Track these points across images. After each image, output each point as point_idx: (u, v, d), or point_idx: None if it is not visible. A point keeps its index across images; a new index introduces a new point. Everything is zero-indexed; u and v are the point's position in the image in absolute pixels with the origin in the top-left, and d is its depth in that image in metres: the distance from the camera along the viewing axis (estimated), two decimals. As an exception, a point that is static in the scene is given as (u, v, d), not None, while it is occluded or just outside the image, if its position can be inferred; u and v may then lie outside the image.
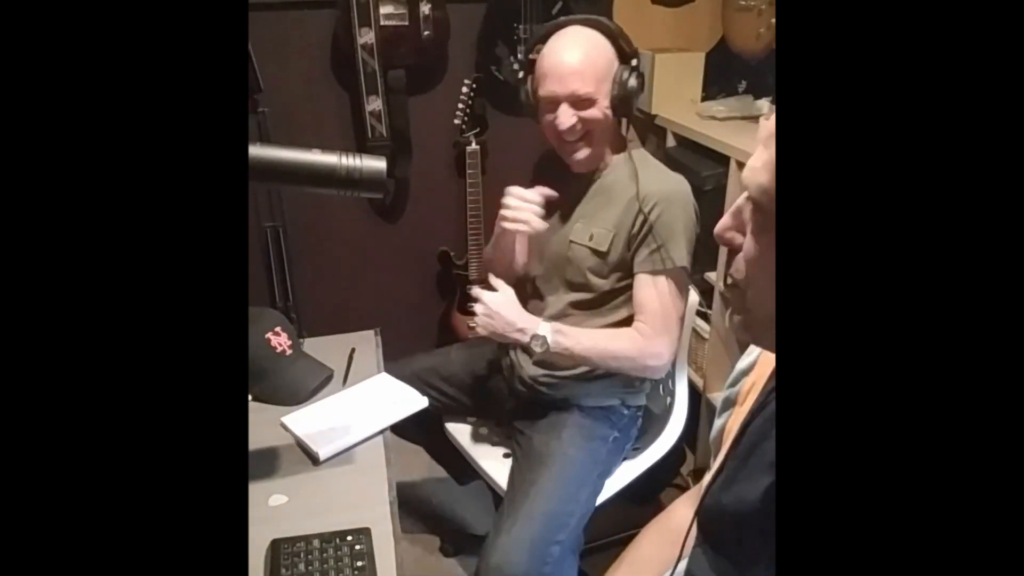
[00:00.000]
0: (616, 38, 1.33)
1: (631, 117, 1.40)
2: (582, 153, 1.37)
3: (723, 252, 1.73)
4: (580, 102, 1.31)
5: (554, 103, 1.32)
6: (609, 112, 1.33)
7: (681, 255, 1.34)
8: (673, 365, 1.57)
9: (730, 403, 0.81)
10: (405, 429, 1.35)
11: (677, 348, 1.42)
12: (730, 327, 0.62)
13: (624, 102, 1.33)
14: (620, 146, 1.42)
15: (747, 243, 0.57)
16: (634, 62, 1.33)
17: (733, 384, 0.82)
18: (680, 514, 0.95)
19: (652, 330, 1.36)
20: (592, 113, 1.32)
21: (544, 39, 1.34)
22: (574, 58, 1.30)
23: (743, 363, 0.81)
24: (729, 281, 0.61)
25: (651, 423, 1.60)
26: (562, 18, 1.36)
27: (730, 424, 0.79)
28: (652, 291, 1.36)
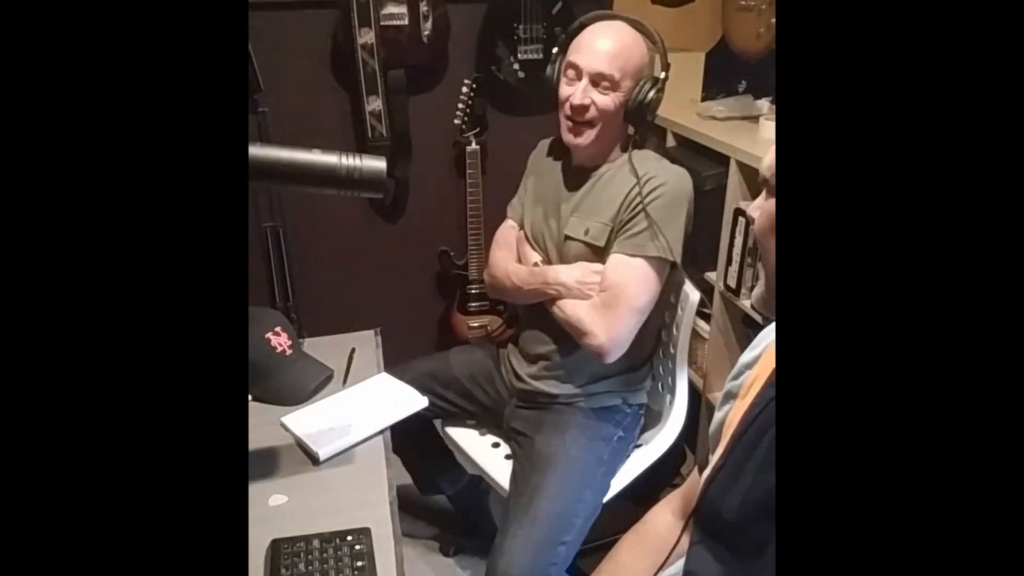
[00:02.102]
0: (656, 48, 1.38)
1: (640, 125, 1.41)
2: (583, 138, 1.38)
3: (723, 252, 1.72)
4: (600, 84, 1.34)
5: (577, 75, 1.36)
6: (622, 109, 1.36)
7: (663, 244, 1.33)
8: (673, 363, 1.57)
9: (731, 396, 0.81)
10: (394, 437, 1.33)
11: (623, 339, 1.36)
12: (752, 300, 0.65)
13: (639, 108, 1.36)
14: (624, 147, 1.43)
15: (760, 216, 0.62)
16: (662, 75, 1.37)
17: (736, 377, 0.81)
18: (659, 520, 0.95)
19: (600, 307, 1.36)
20: (606, 101, 1.35)
21: (592, 21, 1.40)
22: (613, 43, 1.35)
23: (747, 356, 0.82)
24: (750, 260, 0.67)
25: (651, 420, 1.61)
26: (615, 12, 1.41)
27: (731, 417, 0.79)
28: (619, 271, 1.36)
